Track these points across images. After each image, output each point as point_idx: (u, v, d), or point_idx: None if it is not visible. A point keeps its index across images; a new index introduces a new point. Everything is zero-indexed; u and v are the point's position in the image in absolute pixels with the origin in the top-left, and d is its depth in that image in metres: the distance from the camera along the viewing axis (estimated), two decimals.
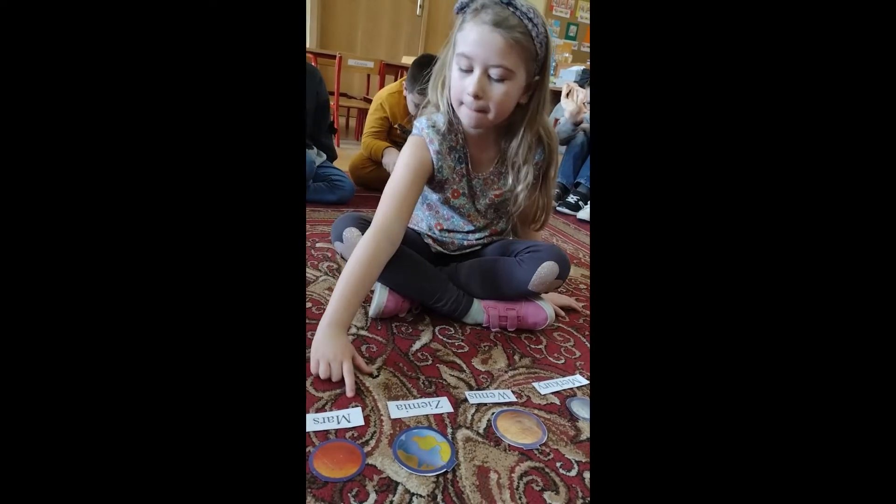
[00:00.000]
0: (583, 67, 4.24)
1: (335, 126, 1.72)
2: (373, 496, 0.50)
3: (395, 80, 2.61)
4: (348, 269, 0.73)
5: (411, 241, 0.92)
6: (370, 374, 0.70)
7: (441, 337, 0.85)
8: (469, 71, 0.74)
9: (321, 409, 0.62)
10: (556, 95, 4.11)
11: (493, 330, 0.89)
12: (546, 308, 0.91)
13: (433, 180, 0.87)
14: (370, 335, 0.82)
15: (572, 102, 3.99)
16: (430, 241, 0.96)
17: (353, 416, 0.61)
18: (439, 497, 0.52)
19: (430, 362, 0.77)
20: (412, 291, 0.87)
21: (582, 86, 3.64)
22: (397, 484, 0.52)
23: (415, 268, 0.86)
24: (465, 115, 0.78)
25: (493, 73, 0.74)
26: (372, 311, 0.86)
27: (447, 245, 0.96)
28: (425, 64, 1.56)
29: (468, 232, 0.95)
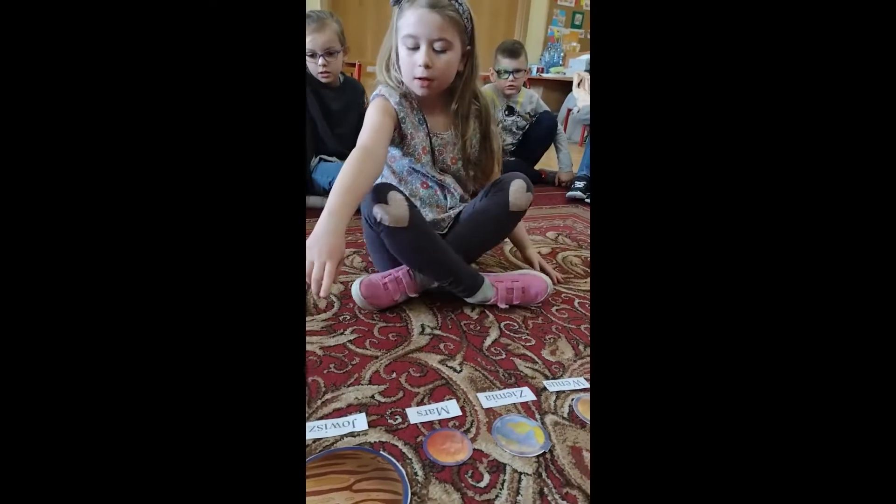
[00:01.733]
0: None
1: None
2: (486, 476, 0.57)
3: None
4: (344, 174, 0.80)
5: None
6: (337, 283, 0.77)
7: (508, 332, 0.91)
8: (415, 48, 0.89)
9: (421, 403, 0.68)
10: (568, 85, 4.13)
11: (502, 306, 0.98)
12: (543, 277, 1.02)
13: (401, 136, 0.98)
14: (444, 334, 0.88)
15: (584, 91, 4.00)
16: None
17: (451, 408, 0.68)
18: (544, 475, 0.58)
19: (503, 356, 0.83)
20: (433, 271, 0.95)
21: None
22: (505, 465, 0.59)
23: (439, 249, 0.94)
24: (417, 86, 0.93)
25: (437, 45, 0.89)
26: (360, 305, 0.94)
27: (438, 224, 1.05)
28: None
29: (444, 190, 1.06)
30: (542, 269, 1.14)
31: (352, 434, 0.62)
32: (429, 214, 1.03)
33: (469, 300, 0.98)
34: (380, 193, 0.88)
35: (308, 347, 0.81)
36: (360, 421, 0.64)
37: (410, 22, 0.88)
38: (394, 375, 0.75)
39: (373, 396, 0.70)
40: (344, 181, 0.79)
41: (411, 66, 0.91)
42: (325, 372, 0.74)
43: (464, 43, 0.93)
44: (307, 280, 0.68)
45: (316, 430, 0.62)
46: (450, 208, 1.06)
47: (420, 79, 0.91)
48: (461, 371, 0.77)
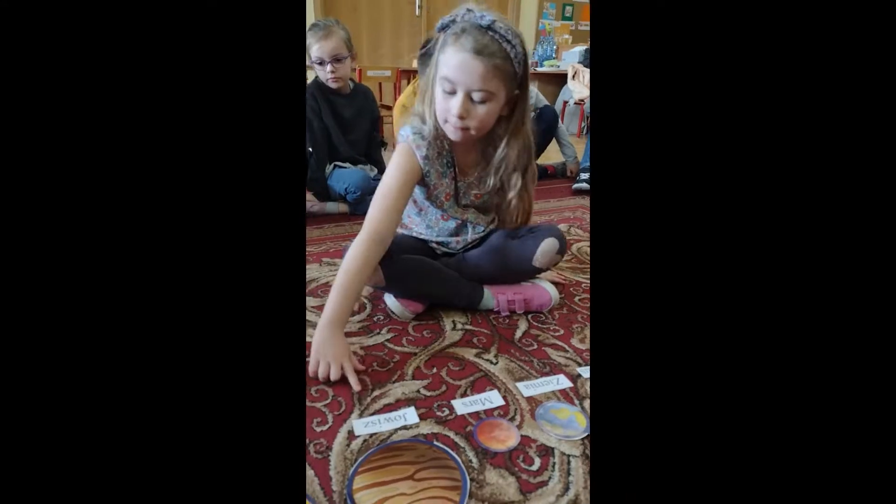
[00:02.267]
0: (585, 47, 4.27)
1: (383, 140, 1.81)
2: (537, 460, 0.60)
3: (408, 83, 2.69)
4: (343, 271, 0.79)
5: (415, 249, 0.99)
6: (362, 371, 0.77)
7: (536, 324, 0.94)
8: (452, 93, 0.81)
9: (464, 395, 0.72)
10: (563, 78, 4.16)
11: (504, 314, 0.96)
12: (549, 289, 0.99)
13: (425, 184, 0.94)
14: (476, 328, 0.91)
15: (579, 84, 4.02)
16: (434, 244, 1.02)
17: (494, 398, 0.71)
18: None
19: (535, 347, 0.86)
20: (424, 297, 0.95)
21: (587, 66, 3.67)
22: (552, 448, 0.62)
23: (425, 277, 0.93)
24: (451, 132, 0.85)
25: (476, 96, 0.80)
26: (402, 318, 0.94)
27: (449, 245, 1.02)
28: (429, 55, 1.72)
29: (465, 224, 1.02)
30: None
31: (405, 427, 0.65)
32: (448, 242, 1.02)
33: (477, 308, 0.97)
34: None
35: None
36: (410, 414, 0.67)
37: (451, 64, 0.78)
38: (434, 370, 0.78)
39: (418, 391, 0.73)
40: (343, 280, 0.78)
41: (445, 110, 0.83)
42: (369, 370, 0.77)
43: (510, 90, 0.83)
44: (315, 375, 0.73)
45: (370, 425, 0.65)
46: (471, 240, 1.02)
47: (456, 127, 0.83)
48: (497, 363, 0.80)
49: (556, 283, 1.05)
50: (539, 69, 4.42)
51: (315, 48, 1.51)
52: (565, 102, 4.07)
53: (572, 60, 4.18)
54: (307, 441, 0.62)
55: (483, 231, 1.02)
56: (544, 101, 2.25)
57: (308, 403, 0.69)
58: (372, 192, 0.89)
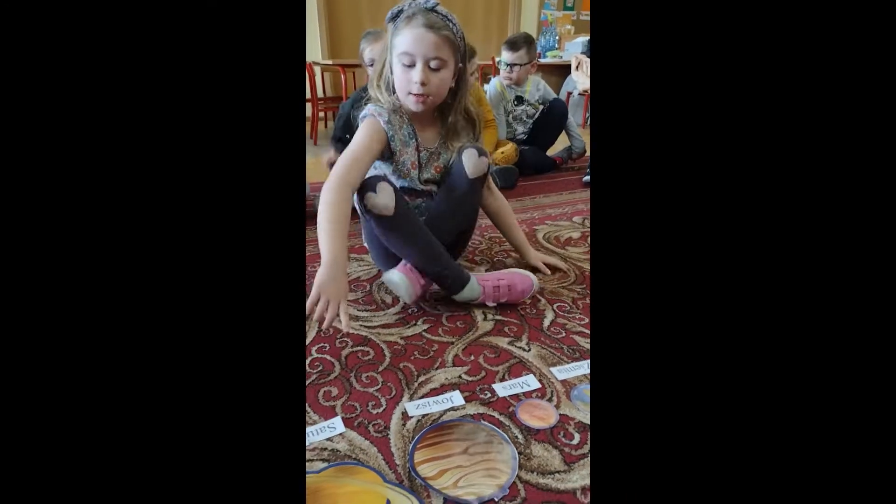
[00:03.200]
0: (587, 38, 4.29)
1: None
2: (577, 436, 0.66)
3: None
4: (329, 212, 0.85)
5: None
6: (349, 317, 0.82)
7: (562, 313, 1.00)
8: (411, 66, 0.93)
9: (503, 379, 0.78)
10: (566, 69, 4.18)
11: (490, 304, 1.00)
12: (528, 275, 1.04)
13: (391, 153, 1.01)
14: (505, 318, 0.97)
15: (583, 74, 4.04)
16: None
17: (531, 382, 0.77)
18: None
19: (563, 335, 0.92)
20: (422, 258, 0.98)
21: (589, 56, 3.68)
22: (589, 425, 0.68)
23: (419, 233, 0.97)
24: (412, 101, 0.96)
25: (432, 63, 0.93)
26: (407, 298, 0.98)
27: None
28: None
29: (428, 197, 1.08)
30: (550, 266, 1.18)
31: (452, 408, 0.71)
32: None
33: (456, 297, 1.00)
34: (369, 184, 0.93)
35: (389, 338, 0.90)
36: (456, 397, 0.73)
37: (407, 40, 0.92)
38: (472, 357, 0.84)
39: (460, 376, 0.79)
40: (332, 224, 0.84)
41: (407, 82, 0.94)
42: (411, 358, 0.84)
43: (457, 61, 0.97)
44: (312, 313, 0.78)
45: (421, 406, 0.71)
46: None
47: (416, 95, 0.94)
48: (530, 350, 0.87)
49: (553, 267, 1.17)
50: (542, 60, 4.45)
51: (367, 51, 1.67)
52: (569, 93, 4.09)
53: (575, 51, 4.21)
54: (366, 422, 0.69)
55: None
56: (553, 95, 2.29)
57: (360, 389, 0.76)
58: None
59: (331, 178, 0.89)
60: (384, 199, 0.91)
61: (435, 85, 0.95)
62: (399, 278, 0.96)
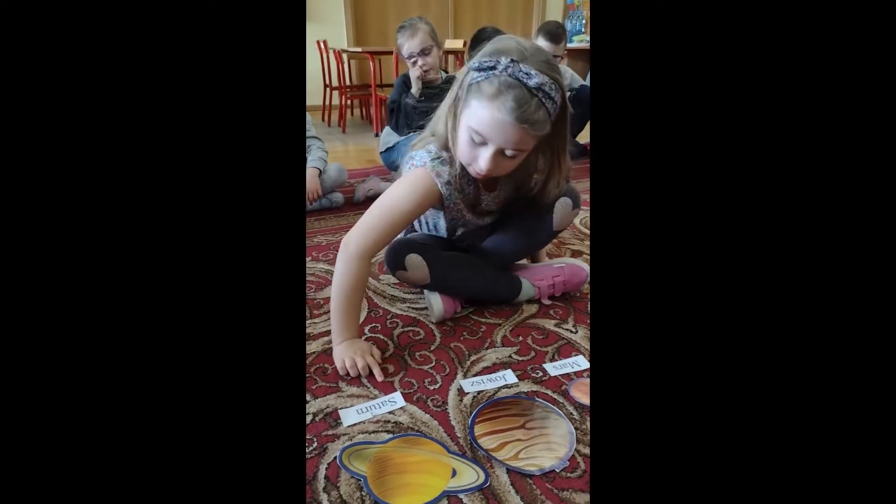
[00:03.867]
0: None
1: None
2: None
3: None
4: (342, 290, 0.78)
5: (439, 247, 0.95)
6: (381, 361, 0.79)
7: None
8: (483, 145, 0.74)
9: (553, 359, 0.80)
10: (587, 54, 4.11)
11: (546, 302, 0.98)
12: (584, 266, 1.00)
13: (439, 206, 0.89)
14: (550, 302, 0.99)
15: None
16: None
17: (581, 362, 0.79)
18: None
19: None
20: (466, 293, 0.95)
21: None
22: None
23: (469, 273, 0.93)
24: (477, 172, 0.78)
25: (508, 153, 0.74)
26: (435, 317, 0.92)
27: (466, 239, 1.00)
28: (480, 36, 1.73)
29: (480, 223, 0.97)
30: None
31: (506, 386, 0.74)
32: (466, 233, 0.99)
33: (515, 302, 0.98)
34: (398, 259, 0.87)
35: None
36: (509, 375, 0.76)
37: (485, 121, 0.71)
38: (520, 339, 0.86)
39: (510, 356, 0.81)
40: (344, 313, 0.78)
41: (471, 157, 0.76)
42: (461, 338, 0.86)
43: (542, 135, 0.75)
44: (349, 371, 0.76)
45: (476, 384, 0.74)
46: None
47: (480, 174, 0.78)
48: (577, 332, 0.88)
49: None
50: (569, 45, 4.38)
51: (406, 46, 1.65)
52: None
53: None
54: (424, 397, 0.71)
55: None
56: (580, 81, 2.27)
57: (415, 366, 0.79)
58: None
59: (352, 245, 0.78)
60: (417, 275, 0.88)
61: (504, 168, 0.78)
62: (436, 302, 0.91)
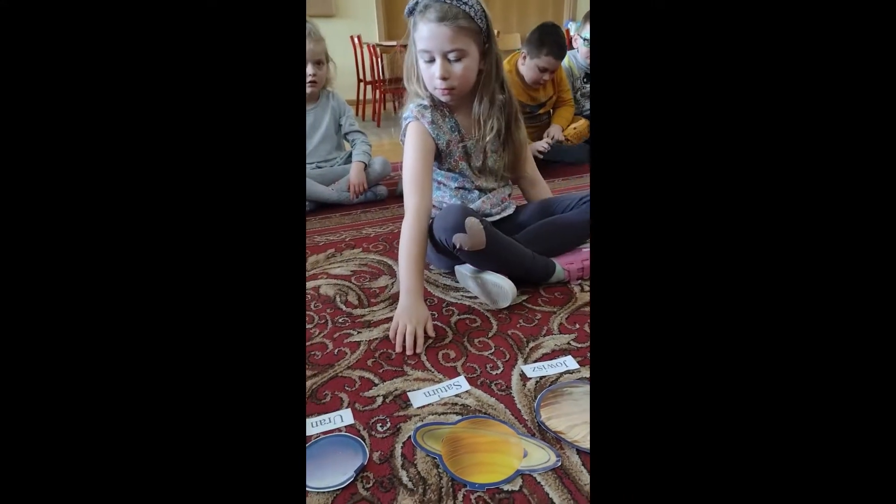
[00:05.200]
0: None
1: None
2: None
3: None
4: (408, 248, 0.89)
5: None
6: (431, 338, 0.84)
7: None
8: (432, 61, 0.93)
9: None
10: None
11: (575, 283, 1.02)
12: None
13: (439, 155, 1.02)
14: None
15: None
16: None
17: None
18: None
19: None
20: (509, 267, 0.97)
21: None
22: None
23: (514, 247, 0.97)
24: (440, 95, 0.97)
25: (451, 56, 0.91)
26: (508, 300, 0.93)
27: (491, 215, 1.07)
28: (548, 31, 1.70)
29: (482, 192, 1.08)
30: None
31: (568, 371, 0.75)
32: (490, 213, 1.07)
33: (548, 283, 1.02)
34: (456, 222, 0.90)
35: (491, 307, 0.94)
36: (570, 361, 0.77)
37: (423, 36, 0.90)
38: (577, 326, 0.87)
39: (568, 343, 0.82)
40: (410, 256, 0.88)
41: (430, 77, 0.94)
42: (518, 326, 0.88)
43: (480, 44, 0.94)
44: (396, 339, 0.82)
45: (538, 369, 0.75)
46: (493, 209, 1.08)
47: (440, 89, 0.94)
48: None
49: None
50: None
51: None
52: None
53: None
54: (488, 381, 0.73)
55: (499, 205, 1.09)
56: None
57: (475, 352, 0.81)
58: None
59: (407, 213, 0.93)
60: (477, 237, 0.90)
61: (458, 76, 0.93)
62: (508, 285, 0.93)
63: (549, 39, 1.69)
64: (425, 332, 0.83)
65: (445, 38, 0.89)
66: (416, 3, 0.91)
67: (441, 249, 0.98)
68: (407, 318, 0.83)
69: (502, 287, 0.93)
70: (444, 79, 0.92)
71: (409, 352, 0.81)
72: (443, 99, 0.98)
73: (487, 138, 1.02)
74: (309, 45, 1.45)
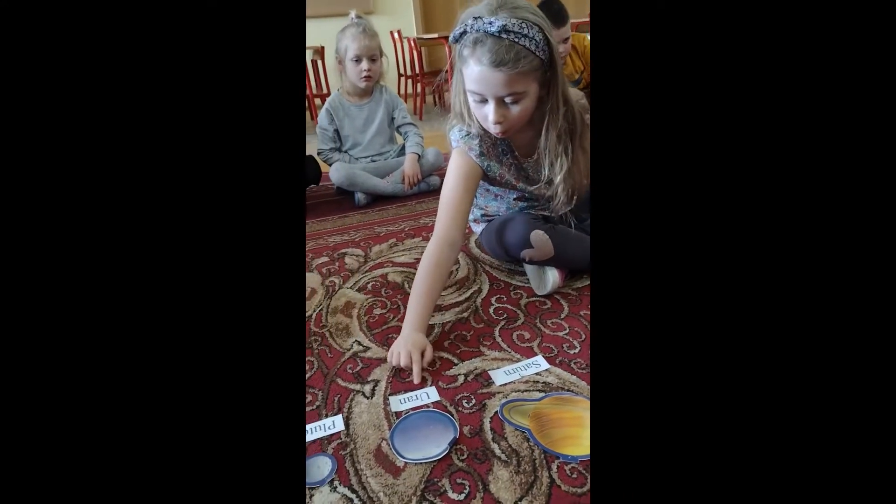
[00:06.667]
0: None
1: None
2: None
3: None
4: (419, 278, 0.81)
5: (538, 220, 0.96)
6: (432, 366, 0.76)
7: None
8: (484, 101, 0.80)
9: None
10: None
11: None
12: None
13: (489, 178, 0.94)
14: None
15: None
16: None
17: None
18: None
19: None
20: (571, 265, 0.96)
21: None
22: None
23: (579, 241, 0.95)
24: (493, 131, 0.84)
25: (507, 100, 0.79)
26: (547, 290, 0.93)
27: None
28: (540, 5, 1.60)
29: (543, 200, 0.99)
30: None
31: None
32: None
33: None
34: (523, 237, 0.89)
35: (561, 290, 0.95)
36: None
37: (473, 77, 0.77)
38: None
39: None
40: (420, 291, 0.80)
41: (482, 117, 0.83)
42: (589, 307, 0.88)
43: (540, 80, 0.80)
44: (395, 362, 0.75)
45: None
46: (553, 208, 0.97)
47: (496, 131, 0.83)
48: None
49: None
50: None
51: None
52: None
53: None
54: (567, 360, 0.74)
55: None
56: None
57: (550, 333, 0.81)
58: None
59: (434, 238, 0.85)
60: (544, 249, 0.89)
61: (514, 118, 0.81)
62: (552, 274, 0.93)
63: (543, 13, 1.68)
64: (423, 357, 0.75)
65: (501, 84, 0.76)
66: (465, 31, 0.76)
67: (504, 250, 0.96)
68: (402, 346, 0.75)
69: (545, 276, 0.94)
70: (498, 122, 0.81)
71: (415, 380, 0.73)
72: (496, 134, 0.86)
73: (557, 178, 0.89)
74: (364, 41, 1.48)
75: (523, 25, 0.75)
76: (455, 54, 0.81)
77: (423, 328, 0.79)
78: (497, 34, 0.73)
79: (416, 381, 0.72)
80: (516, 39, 0.74)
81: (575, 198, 0.93)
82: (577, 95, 0.92)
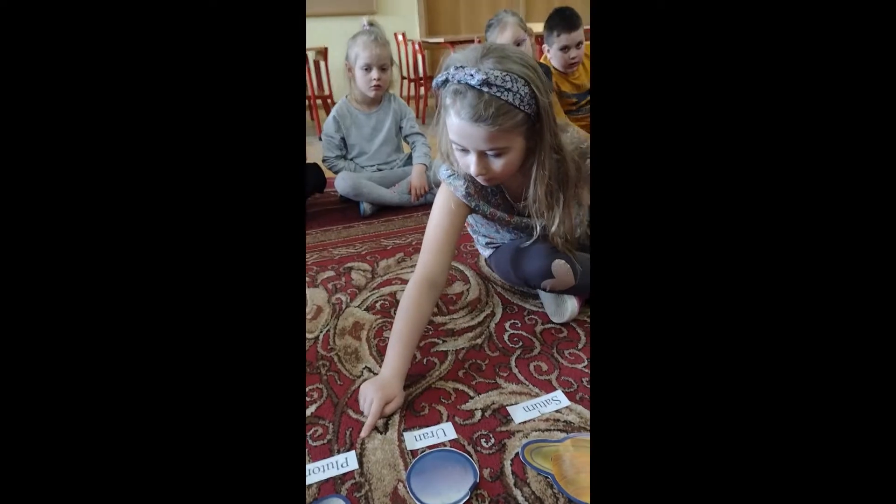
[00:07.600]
0: None
1: None
2: None
3: None
4: (398, 322, 0.77)
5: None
6: (386, 418, 0.71)
7: None
8: (466, 152, 0.75)
9: None
10: None
11: None
12: None
13: (478, 212, 0.89)
14: None
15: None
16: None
17: None
18: None
19: None
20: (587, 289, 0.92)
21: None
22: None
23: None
24: (479, 180, 0.80)
25: (490, 153, 0.74)
26: (565, 318, 0.91)
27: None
28: (553, 13, 1.66)
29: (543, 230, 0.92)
30: None
31: None
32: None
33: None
34: (544, 268, 0.86)
35: (577, 318, 0.92)
36: None
37: (454, 130, 0.73)
38: None
39: None
40: (400, 333, 0.76)
41: (465, 166, 0.78)
42: None
43: (526, 134, 0.75)
44: (361, 403, 0.72)
45: None
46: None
47: (479, 179, 0.79)
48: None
49: None
50: None
51: (499, 42, 1.61)
52: None
53: None
54: (587, 396, 0.72)
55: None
56: None
57: (568, 364, 0.79)
58: None
59: (414, 277, 0.81)
60: (566, 279, 0.86)
61: (498, 171, 0.76)
62: (571, 302, 0.91)
63: (555, 19, 1.69)
64: (387, 407, 0.71)
65: (481, 139, 0.72)
66: (446, 79, 0.72)
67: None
68: (373, 391, 0.71)
69: (563, 304, 0.91)
70: (480, 174, 0.77)
71: (362, 433, 0.68)
72: (483, 183, 0.82)
73: (551, 230, 0.84)
74: (375, 50, 1.45)
75: (507, 79, 0.69)
76: (439, 101, 0.76)
77: (402, 373, 0.75)
78: (478, 87, 0.69)
79: (364, 434, 0.68)
80: (498, 94, 0.69)
81: (572, 237, 0.89)
82: (577, 140, 0.87)
